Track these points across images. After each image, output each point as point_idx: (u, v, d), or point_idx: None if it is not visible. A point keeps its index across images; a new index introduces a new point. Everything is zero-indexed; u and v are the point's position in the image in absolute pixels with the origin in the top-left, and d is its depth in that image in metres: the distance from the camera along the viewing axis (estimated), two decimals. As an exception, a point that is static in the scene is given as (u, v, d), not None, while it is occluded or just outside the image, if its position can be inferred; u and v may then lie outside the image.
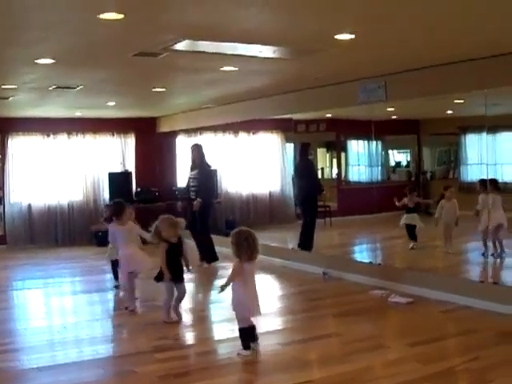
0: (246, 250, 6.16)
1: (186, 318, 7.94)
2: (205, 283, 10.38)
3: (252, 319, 6.32)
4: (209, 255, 11.38)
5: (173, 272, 7.49)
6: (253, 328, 6.33)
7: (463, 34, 6.29)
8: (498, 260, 9.92)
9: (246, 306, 6.24)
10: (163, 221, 7.64)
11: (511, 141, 12.51)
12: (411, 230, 11.22)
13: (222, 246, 12.09)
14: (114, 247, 8.96)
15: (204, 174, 11.60)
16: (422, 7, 5.21)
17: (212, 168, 11.95)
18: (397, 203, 11.24)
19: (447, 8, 5.24)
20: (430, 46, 7.00)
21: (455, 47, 7.03)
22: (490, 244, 9.62)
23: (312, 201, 11.59)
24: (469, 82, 7.84)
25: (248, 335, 6.29)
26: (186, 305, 8.45)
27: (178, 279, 7.56)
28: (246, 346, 6.26)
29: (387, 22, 5.81)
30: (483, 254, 9.40)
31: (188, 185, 11.69)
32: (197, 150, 11.60)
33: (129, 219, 8.74)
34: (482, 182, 9.87)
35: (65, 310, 8.92)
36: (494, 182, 10.04)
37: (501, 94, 8.71)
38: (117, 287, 9.42)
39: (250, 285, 6.26)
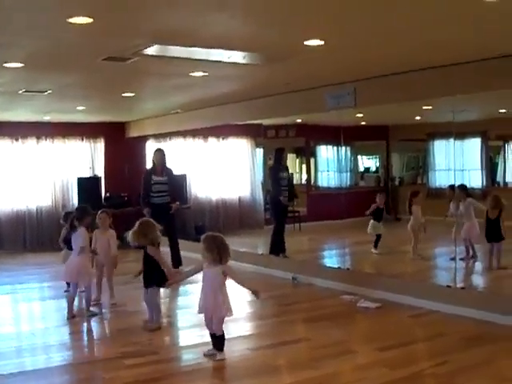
0: (227, 253, 6.30)
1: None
2: (172, 288, 10.33)
3: None
4: (175, 259, 11.33)
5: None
6: None
7: (431, 41, 6.34)
8: (468, 265, 10.02)
9: (230, 309, 6.36)
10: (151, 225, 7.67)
11: (478, 147, 12.66)
12: (378, 239, 11.37)
13: (191, 251, 12.07)
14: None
15: (174, 178, 11.63)
16: (390, 15, 5.26)
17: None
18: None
19: (414, 16, 5.30)
20: (398, 53, 7.06)
21: (423, 54, 7.09)
22: (460, 248, 9.69)
23: (275, 205, 11.63)
24: (437, 89, 7.92)
25: None
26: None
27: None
28: (223, 348, 6.34)
29: (356, 29, 5.85)
30: (452, 259, 9.49)
31: (149, 189, 11.54)
32: (162, 155, 11.57)
33: (103, 225, 8.76)
34: (452, 187, 9.97)
35: (33, 315, 8.86)
36: (463, 187, 10.15)
37: (468, 101, 8.81)
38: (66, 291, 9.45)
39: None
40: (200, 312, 6.39)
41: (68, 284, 9.15)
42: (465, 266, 9.98)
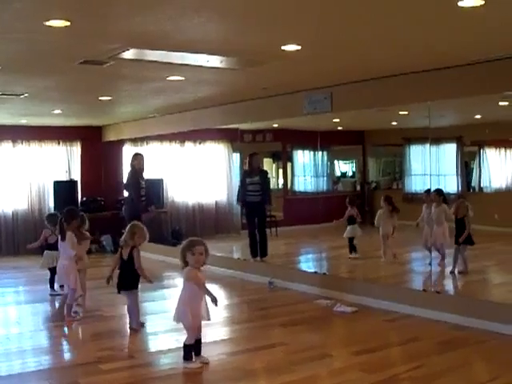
0: None
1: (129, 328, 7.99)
2: (147, 292, 10.33)
3: None
4: None
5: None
6: None
7: (407, 47, 6.39)
8: (443, 269, 10.05)
9: None
10: (141, 228, 7.65)
11: (454, 152, 12.74)
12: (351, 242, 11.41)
13: (168, 255, 12.09)
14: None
15: (147, 183, 11.73)
16: (367, 20, 5.29)
17: None
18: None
19: (393, 21, 5.33)
20: (374, 59, 7.10)
21: (400, 60, 7.15)
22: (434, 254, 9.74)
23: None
24: (412, 94, 7.98)
25: None
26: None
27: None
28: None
29: (333, 34, 5.88)
30: (430, 264, 9.55)
31: (141, 194, 11.63)
32: (143, 159, 11.63)
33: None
34: (428, 192, 10.02)
35: (8, 320, 8.78)
36: (440, 192, 10.19)
37: (444, 107, 8.87)
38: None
39: None
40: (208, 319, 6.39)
41: (52, 287, 9.24)
42: (440, 271, 10.01)
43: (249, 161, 11.81)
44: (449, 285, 9.89)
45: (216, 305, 6.24)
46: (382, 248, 10.98)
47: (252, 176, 11.56)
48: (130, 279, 7.49)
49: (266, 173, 11.94)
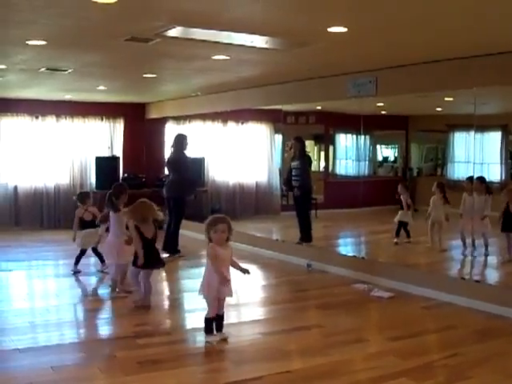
0: None
1: (167, 304, 8.04)
2: (185, 270, 10.39)
3: None
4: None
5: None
6: None
7: (455, 32, 6.31)
8: (482, 258, 9.96)
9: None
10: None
11: (498, 140, 12.57)
12: (401, 227, 11.32)
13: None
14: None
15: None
16: (414, 3, 5.22)
17: None
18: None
19: (442, 6, 5.25)
20: (421, 43, 7.02)
21: (446, 45, 7.05)
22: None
23: None
24: (458, 80, 7.88)
25: None
26: (165, 292, 8.56)
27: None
28: None
29: (380, 18, 5.82)
30: (463, 254, 9.43)
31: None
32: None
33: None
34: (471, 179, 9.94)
35: (47, 292, 8.90)
36: (483, 180, 10.09)
37: (490, 94, 8.75)
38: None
39: None
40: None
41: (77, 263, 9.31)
42: (479, 260, 9.90)
43: (293, 145, 11.76)
44: (490, 274, 9.79)
45: (248, 273, 6.52)
46: (429, 234, 10.89)
47: (294, 160, 11.53)
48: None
49: (305, 158, 11.77)
